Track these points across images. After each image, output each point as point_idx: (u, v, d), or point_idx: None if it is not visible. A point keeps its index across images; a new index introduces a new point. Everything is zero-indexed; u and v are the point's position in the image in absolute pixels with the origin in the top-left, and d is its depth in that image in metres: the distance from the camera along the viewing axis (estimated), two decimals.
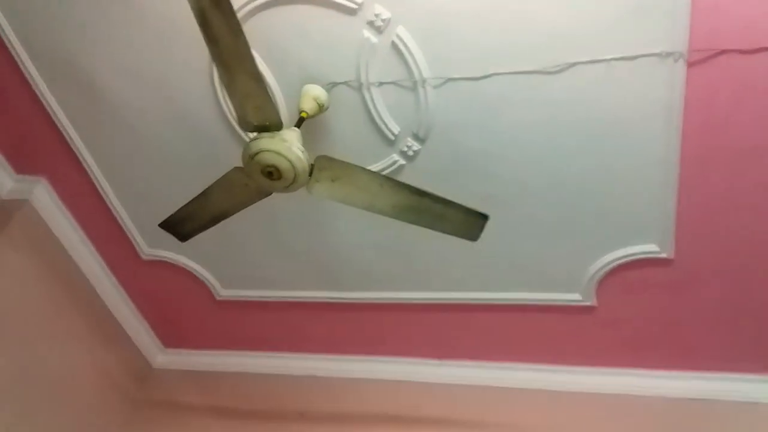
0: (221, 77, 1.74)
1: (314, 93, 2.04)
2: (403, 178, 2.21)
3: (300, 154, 1.83)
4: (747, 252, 2.17)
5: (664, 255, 2.24)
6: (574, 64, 1.86)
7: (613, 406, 2.62)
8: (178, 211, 2.10)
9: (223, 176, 1.95)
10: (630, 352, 2.59)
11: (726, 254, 2.20)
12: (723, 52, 1.76)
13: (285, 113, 2.15)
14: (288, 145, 1.82)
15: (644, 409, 2.60)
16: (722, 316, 2.37)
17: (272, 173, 1.85)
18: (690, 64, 1.79)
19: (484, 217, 1.92)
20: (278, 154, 1.81)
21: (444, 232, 1.97)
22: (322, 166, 1.88)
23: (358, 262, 2.62)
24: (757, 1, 1.67)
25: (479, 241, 1.97)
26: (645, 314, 2.46)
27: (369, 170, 1.92)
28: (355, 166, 1.88)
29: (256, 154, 1.81)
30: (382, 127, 2.13)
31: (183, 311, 3.12)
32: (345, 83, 2.05)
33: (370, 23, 1.91)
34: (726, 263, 2.22)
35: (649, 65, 1.81)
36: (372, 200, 1.92)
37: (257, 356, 3.16)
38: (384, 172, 2.23)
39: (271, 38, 2.03)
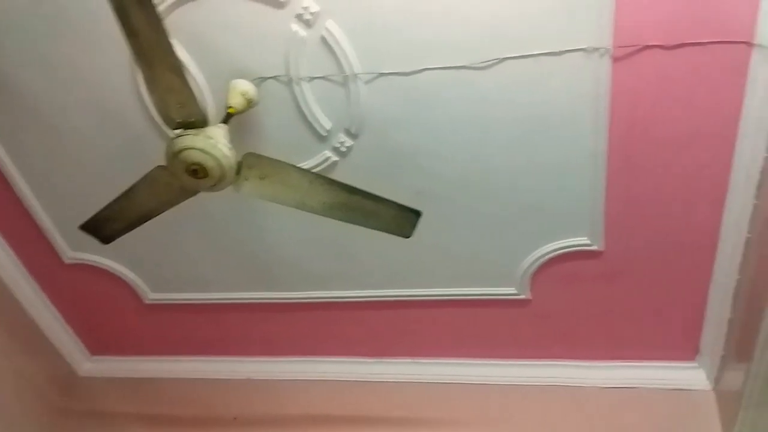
0: (142, 72, 1.67)
1: (242, 88, 1.98)
2: (336, 174, 2.18)
3: (226, 151, 1.77)
4: (672, 242, 2.22)
5: (594, 247, 2.28)
6: (503, 60, 1.87)
7: (549, 397, 2.65)
8: (99, 212, 2.01)
9: (146, 175, 1.87)
10: (564, 343, 2.63)
11: (653, 245, 2.25)
12: (646, 47, 1.79)
13: (212, 109, 2.09)
14: (213, 143, 1.76)
15: (579, 399, 2.64)
16: (650, 306, 2.43)
17: (197, 171, 1.78)
18: (615, 60, 1.81)
19: (416, 214, 1.90)
20: (203, 151, 1.75)
21: (376, 229, 1.95)
22: (250, 164, 1.82)
23: (294, 261, 2.57)
24: None
25: (414, 237, 1.96)
26: (577, 306, 2.50)
27: (299, 167, 1.88)
28: (285, 163, 1.84)
29: (180, 151, 1.75)
30: (314, 122, 2.09)
31: (110, 316, 3.00)
32: (274, 78, 2.00)
33: (299, 17, 1.86)
34: (653, 254, 2.27)
35: (576, 60, 1.83)
36: (302, 198, 1.88)
37: (189, 361, 3.06)
38: (317, 169, 2.19)
39: (196, 32, 1.96)
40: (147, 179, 1.88)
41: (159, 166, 1.84)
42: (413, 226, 1.94)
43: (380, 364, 2.88)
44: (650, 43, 1.78)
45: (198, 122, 1.77)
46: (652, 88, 1.87)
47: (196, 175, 1.80)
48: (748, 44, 1.75)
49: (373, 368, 2.88)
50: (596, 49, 1.79)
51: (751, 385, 2.11)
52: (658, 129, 1.95)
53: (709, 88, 1.85)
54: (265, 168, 1.83)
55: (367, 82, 1.97)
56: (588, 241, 2.27)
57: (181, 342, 3.05)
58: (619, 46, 1.79)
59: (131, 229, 2.06)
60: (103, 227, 2.07)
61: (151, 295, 2.86)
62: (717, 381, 2.51)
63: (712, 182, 2.04)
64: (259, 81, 2.01)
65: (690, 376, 2.58)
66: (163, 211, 2.01)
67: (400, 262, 2.47)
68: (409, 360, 2.85)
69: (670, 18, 1.75)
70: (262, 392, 2.94)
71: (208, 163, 1.76)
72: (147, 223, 2.05)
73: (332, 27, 1.86)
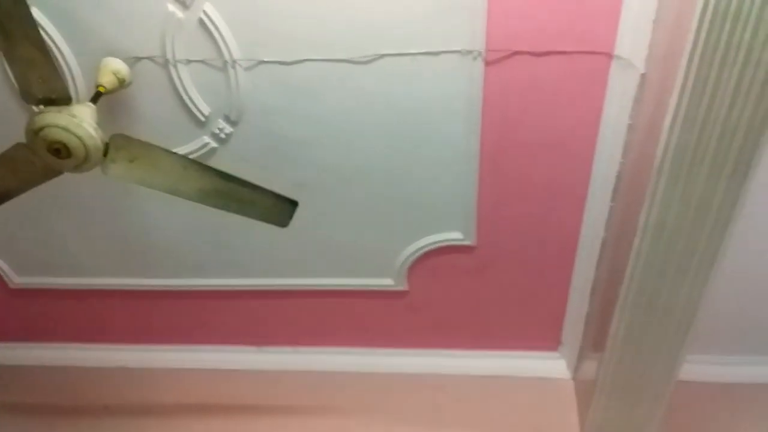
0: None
1: (114, 67, 1.90)
2: (215, 161, 2.14)
3: (92, 131, 1.70)
4: (538, 240, 2.35)
5: (467, 242, 2.37)
6: (382, 56, 1.90)
7: (422, 385, 2.75)
8: None
9: (4, 153, 1.76)
10: (439, 333, 2.73)
11: (521, 242, 2.37)
12: (516, 53, 1.87)
13: (83, 87, 1.99)
14: (77, 121, 1.68)
15: (452, 387, 2.75)
16: (518, 299, 2.56)
17: (60, 151, 1.70)
18: (487, 63, 1.88)
19: (293, 204, 1.91)
20: (66, 130, 1.67)
21: (253, 217, 1.93)
22: (118, 146, 1.76)
23: (170, 248, 2.50)
24: (548, 7, 1.80)
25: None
26: (452, 298, 2.59)
27: (172, 152, 1.83)
28: (156, 146, 1.78)
29: (41, 129, 1.66)
30: (192, 107, 2.04)
31: None
32: (149, 59, 1.94)
33: None
34: (521, 250, 2.39)
35: (451, 61, 1.88)
36: (175, 184, 1.83)
37: (59, 348, 2.93)
38: (195, 155, 2.14)
39: (67, 7, 1.86)
40: (5, 157, 1.77)
41: (18, 144, 1.74)
42: (290, 215, 1.94)
43: (260, 353, 2.87)
44: (520, 49, 1.87)
45: (61, 99, 1.69)
46: (521, 92, 1.96)
47: (59, 155, 1.71)
48: (608, 55, 1.87)
49: (252, 357, 2.87)
50: (470, 52, 1.86)
51: (603, 374, 2.26)
52: (526, 132, 2.05)
53: (572, 95, 1.96)
54: (134, 150, 1.77)
55: (247, 69, 1.94)
56: (461, 237, 2.36)
57: (51, 328, 2.91)
58: (491, 50, 1.86)
59: None
60: None
61: (17, 279, 2.71)
62: (576, 370, 2.69)
63: (574, 185, 2.17)
64: (133, 61, 1.94)
65: (552, 366, 2.75)
66: (25, 191, 1.90)
67: (279, 251, 2.47)
68: (289, 349, 2.86)
69: (538, 26, 1.83)
70: (137, 381, 2.86)
71: (72, 142, 1.68)
72: (10, 203, 1.94)
73: (210, 10, 1.82)
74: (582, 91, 1.95)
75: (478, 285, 2.53)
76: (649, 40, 1.74)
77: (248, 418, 2.71)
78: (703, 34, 1.42)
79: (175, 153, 1.84)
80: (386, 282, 2.55)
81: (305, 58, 1.92)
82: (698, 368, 2.59)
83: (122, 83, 1.93)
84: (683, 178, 1.67)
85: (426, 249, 2.41)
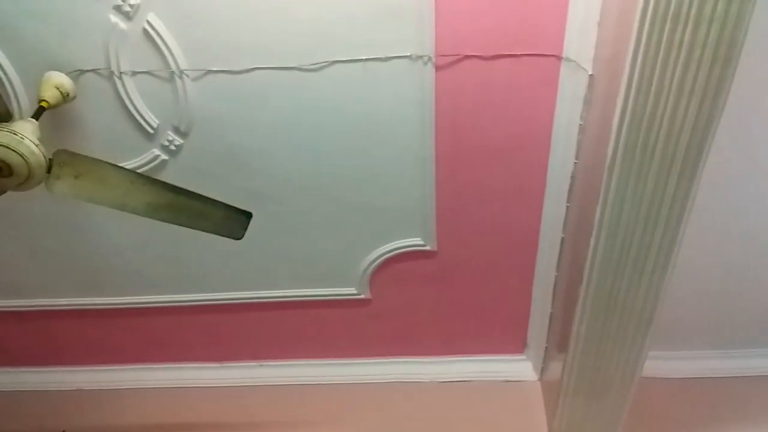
0: None
1: (57, 81, 1.85)
2: (166, 174, 2.10)
3: (33, 147, 1.65)
4: (499, 243, 2.35)
5: (428, 247, 2.36)
6: (333, 63, 1.88)
7: (390, 394, 2.73)
8: None
9: None
10: (403, 340, 2.71)
11: (482, 245, 2.36)
12: (466, 57, 1.87)
13: (25, 103, 1.94)
14: (18, 138, 1.63)
15: (420, 394, 2.73)
16: (482, 303, 2.56)
17: (1, 169, 1.64)
18: (438, 68, 1.88)
19: (246, 215, 1.87)
20: (7, 147, 1.62)
21: (206, 231, 1.89)
22: (62, 162, 1.71)
23: (124, 265, 2.44)
24: (496, 10, 1.80)
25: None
26: (415, 304, 2.58)
27: (118, 166, 1.78)
28: (102, 161, 1.74)
29: None
30: (139, 119, 1.99)
31: None
32: (93, 71, 1.89)
33: (117, 8, 1.77)
34: (482, 254, 2.39)
35: (402, 67, 1.88)
36: (123, 198, 1.78)
37: (11, 372, 2.84)
38: (145, 168, 2.09)
39: (6, 21, 1.81)
40: None
41: None
42: (244, 227, 1.90)
43: (222, 369, 2.82)
44: (470, 53, 1.87)
45: (1, 116, 1.64)
46: (473, 96, 1.96)
47: (1, 173, 1.66)
48: (557, 57, 1.89)
49: (214, 373, 2.81)
50: (420, 57, 1.85)
51: (568, 374, 2.27)
52: (480, 135, 2.05)
53: (524, 98, 1.96)
54: (79, 166, 1.72)
55: (194, 79, 1.91)
56: (422, 242, 2.34)
57: (1, 352, 2.81)
58: (441, 55, 1.86)
59: None
60: None
61: None
62: (542, 372, 2.69)
63: (530, 186, 2.18)
64: (77, 74, 1.89)
65: (519, 368, 2.75)
66: None
67: (238, 264, 2.43)
68: (253, 363, 2.81)
69: (487, 30, 1.83)
70: (95, 403, 2.78)
71: (13, 160, 1.63)
72: None
73: (154, 20, 1.79)
74: (533, 93, 1.96)
75: (441, 290, 2.52)
76: (595, 42, 1.75)
77: None
78: (644, 35, 1.44)
79: (121, 167, 1.79)
80: (349, 291, 2.52)
81: (254, 66, 1.89)
82: (661, 364, 2.62)
83: (66, 97, 1.88)
84: (634, 177, 1.69)
85: (387, 256, 2.40)
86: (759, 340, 2.65)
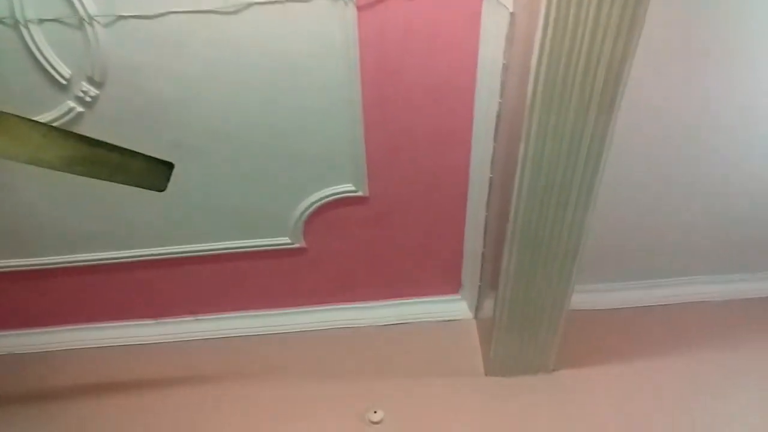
0: None
1: None
2: (83, 127, 2.02)
3: None
4: (430, 185, 2.37)
5: (360, 193, 2.36)
6: (250, 5, 1.82)
7: (330, 340, 2.76)
8: None
9: None
10: (340, 288, 2.73)
11: (413, 188, 2.38)
12: None
13: None
14: None
15: (360, 338, 2.78)
16: (416, 246, 2.59)
17: None
18: (359, 8, 1.84)
19: (168, 166, 1.81)
20: None
21: (126, 183, 1.82)
22: None
23: (47, 223, 2.35)
24: None
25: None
26: (350, 250, 2.59)
27: (28, 119, 1.68)
28: (9, 114, 1.64)
29: None
30: (50, 70, 1.90)
31: None
32: None
33: None
34: (414, 197, 2.41)
35: (323, 7, 1.83)
36: (35, 153, 1.70)
37: None
38: (61, 121, 2.01)
39: None
40: None
41: None
42: (167, 178, 1.85)
43: (159, 325, 2.79)
44: None
45: None
46: (397, 36, 1.93)
47: None
48: None
49: (151, 329, 2.78)
50: None
51: (500, 310, 2.34)
52: (406, 77, 2.03)
53: (448, 37, 1.95)
54: None
55: (105, 26, 1.82)
56: (353, 188, 2.34)
57: None
58: None
59: None
60: None
61: None
62: (477, 310, 2.77)
63: (458, 127, 2.19)
64: None
65: (454, 308, 2.82)
66: None
67: (168, 218, 2.38)
68: (190, 318, 2.79)
69: None
70: (30, 366, 2.72)
71: None
72: None
73: None
74: (457, 32, 1.95)
75: (375, 236, 2.53)
76: None
77: (154, 392, 2.63)
78: None
79: (32, 120, 1.69)
80: (283, 240, 2.51)
81: (167, 10, 1.81)
82: (588, 297, 2.73)
83: None
84: (554, 113, 1.72)
85: (319, 203, 2.39)
86: (678, 270, 2.79)
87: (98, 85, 1.96)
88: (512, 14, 1.81)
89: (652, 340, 2.68)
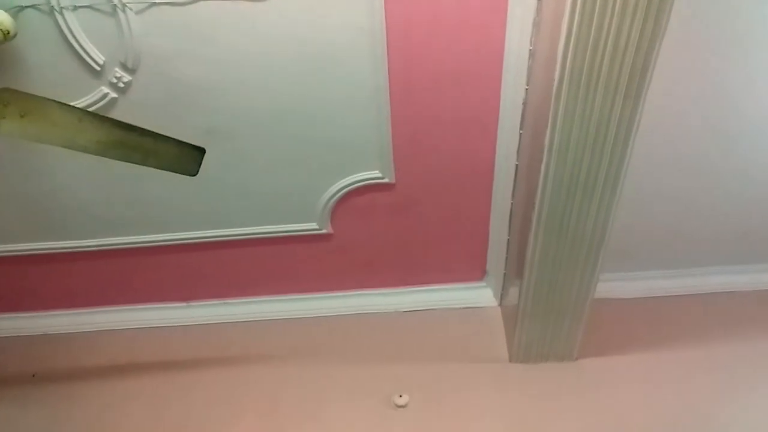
0: None
1: None
2: (117, 112, 2.07)
3: None
4: (456, 172, 2.38)
5: (386, 180, 2.37)
6: None
7: (354, 325, 2.80)
8: None
9: None
10: (366, 273, 2.76)
11: (439, 175, 2.39)
12: None
13: None
14: None
15: (385, 324, 2.81)
16: (442, 233, 2.61)
17: None
18: None
19: (199, 151, 1.86)
20: None
21: (159, 168, 1.87)
22: (6, 101, 1.66)
23: (83, 207, 2.42)
24: None
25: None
26: (376, 237, 2.61)
27: (64, 104, 1.74)
28: (48, 99, 1.70)
29: None
30: (85, 56, 1.95)
31: None
32: (33, 7, 1.83)
33: None
34: (440, 184, 2.42)
35: None
36: (72, 137, 1.75)
37: None
38: (95, 107, 2.06)
39: None
40: None
41: None
42: (198, 163, 1.89)
43: (188, 309, 2.85)
44: None
45: None
46: (424, 24, 1.94)
47: None
48: None
49: (181, 313, 2.85)
50: None
51: (524, 298, 2.35)
52: (433, 64, 2.04)
53: (474, 23, 1.95)
54: (24, 104, 1.68)
55: (138, 13, 1.86)
56: (380, 175, 2.36)
57: None
58: None
59: None
60: None
61: None
62: (502, 297, 2.78)
63: (484, 114, 2.19)
64: (17, 10, 1.83)
65: (479, 295, 2.83)
66: None
67: (199, 203, 2.42)
68: (218, 302, 2.85)
69: None
70: (63, 347, 2.81)
71: None
72: None
73: None
74: (483, 19, 1.94)
75: (401, 222, 2.55)
76: None
77: (182, 374, 2.69)
78: None
79: (68, 105, 1.75)
80: (310, 226, 2.54)
81: None
82: (613, 285, 2.72)
83: (6, 35, 1.81)
84: (581, 100, 1.71)
85: (346, 190, 2.41)
86: (705, 259, 2.76)
87: (131, 71, 2.00)
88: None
89: (677, 330, 2.67)
